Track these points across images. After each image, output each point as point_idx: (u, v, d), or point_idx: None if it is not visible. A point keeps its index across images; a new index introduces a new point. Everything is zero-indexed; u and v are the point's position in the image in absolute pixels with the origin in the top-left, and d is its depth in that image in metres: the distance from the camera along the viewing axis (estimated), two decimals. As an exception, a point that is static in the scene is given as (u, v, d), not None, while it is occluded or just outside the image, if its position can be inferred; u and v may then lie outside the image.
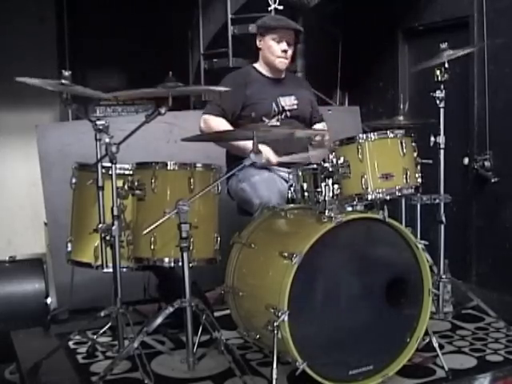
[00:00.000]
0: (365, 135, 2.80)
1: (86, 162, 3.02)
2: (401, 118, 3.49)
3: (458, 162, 4.30)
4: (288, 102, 3.53)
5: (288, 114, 3.51)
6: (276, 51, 3.50)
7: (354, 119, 4.86)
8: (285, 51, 3.49)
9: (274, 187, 3.30)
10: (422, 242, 3.05)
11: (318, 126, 3.71)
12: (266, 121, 3.41)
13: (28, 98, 4.95)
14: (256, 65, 3.63)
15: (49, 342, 3.18)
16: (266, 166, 3.35)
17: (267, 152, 3.25)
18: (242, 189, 3.38)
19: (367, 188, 2.74)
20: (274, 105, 3.48)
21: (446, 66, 3.34)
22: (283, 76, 3.63)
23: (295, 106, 3.54)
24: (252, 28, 4.37)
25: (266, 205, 3.09)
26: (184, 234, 2.59)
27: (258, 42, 3.58)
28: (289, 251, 2.50)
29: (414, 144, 2.89)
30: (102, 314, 2.84)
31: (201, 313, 2.67)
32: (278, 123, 3.44)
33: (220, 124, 3.39)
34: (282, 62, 3.53)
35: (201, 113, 3.52)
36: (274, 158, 3.30)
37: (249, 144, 2.80)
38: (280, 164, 3.41)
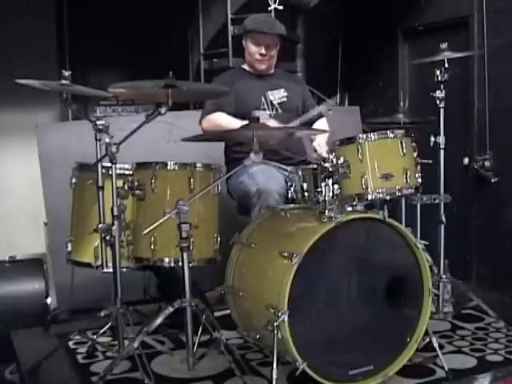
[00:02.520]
0: (365, 135, 2.80)
1: (86, 162, 3.02)
2: (400, 116, 3.48)
3: (458, 162, 4.30)
4: (277, 95, 3.53)
5: (278, 107, 3.51)
6: (254, 54, 3.50)
7: (354, 119, 4.85)
8: (262, 55, 3.48)
9: (272, 175, 3.31)
10: (422, 242, 3.04)
11: (317, 125, 3.61)
12: (256, 113, 3.39)
13: (28, 98, 4.95)
14: (244, 65, 3.66)
15: (49, 342, 3.18)
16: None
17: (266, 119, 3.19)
18: (241, 181, 3.38)
19: (367, 188, 2.74)
20: (262, 99, 3.48)
21: (446, 65, 3.34)
22: (271, 72, 3.63)
23: (285, 99, 3.54)
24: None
25: (264, 191, 3.10)
26: (184, 234, 2.59)
27: (243, 43, 3.58)
28: (289, 251, 2.50)
29: (413, 144, 2.88)
30: (102, 314, 2.83)
31: (201, 313, 2.67)
32: (270, 117, 3.42)
33: (220, 116, 3.38)
34: (260, 64, 3.52)
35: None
36: (272, 123, 3.21)
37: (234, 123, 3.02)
38: (280, 160, 3.43)
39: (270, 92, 3.53)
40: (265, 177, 3.28)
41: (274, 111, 3.50)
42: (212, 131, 3.38)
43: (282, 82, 3.61)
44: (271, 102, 3.52)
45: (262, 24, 3.51)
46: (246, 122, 3.12)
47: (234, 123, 3.30)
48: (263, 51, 3.47)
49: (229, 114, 3.40)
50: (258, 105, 3.47)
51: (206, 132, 3.41)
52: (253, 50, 3.50)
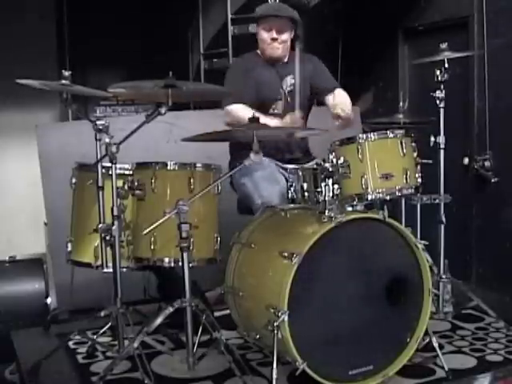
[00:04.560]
0: (365, 135, 2.80)
1: (86, 162, 3.02)
2: (400, 116, 3.48)
3: (458, 162, 4.30)
4: (285, 84, 3.47)
5: (288, 97, 3.45)
6: (265, 40, 3.45)
7: (353, 119, 4.84)
8: (273, 39, 3.43)
9: (276, 186, 3.26)
10: (422, 242, 3.04)
11: (332, 96, 3.51)
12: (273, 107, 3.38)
13: (28, 98, 4.96)
14: (258, 51, 3.57)
15: (49, 342, 3.18)
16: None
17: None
18: (244, 183, 3.35)
19: (367, 188, 2.74)
20: (280, 87, 3.44)
21: (446, 65, 3.34)
22: (286, 60, 3.55)
23: (292, 87, 3.46)
24: (252, 27, 4.37)
25: (267, 204, 3.08)
26: (184, 234, 2.59)
27: (256, 34, 3.54)
28: (289, 251, 2.50)
29: (413, 144, 2.88)
30: (102, 314, 2.84)
31: (201, 313, 2.67)
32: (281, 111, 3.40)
33: (239, 108, 3.28)
34: (273, 49, 3.46)
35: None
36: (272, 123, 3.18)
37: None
38: (281, 161, 3.42)
39: (285, 79, 3.47)
40: (268, 188, 3.22)
41: (285, 101, 3.43)
42: (236, 123, 3.29)
43: (293, 67, 3.47)
44: (285, 90, 3.46)
45: (270, 8, 3.52)
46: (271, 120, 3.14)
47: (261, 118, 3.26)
48: (274, 35, 3.42)
49: (251, 104, 3.29)
50: (276, 94, 3.42)
51: (229, 126, 3.27)
52: (264, 36, 3.45)
